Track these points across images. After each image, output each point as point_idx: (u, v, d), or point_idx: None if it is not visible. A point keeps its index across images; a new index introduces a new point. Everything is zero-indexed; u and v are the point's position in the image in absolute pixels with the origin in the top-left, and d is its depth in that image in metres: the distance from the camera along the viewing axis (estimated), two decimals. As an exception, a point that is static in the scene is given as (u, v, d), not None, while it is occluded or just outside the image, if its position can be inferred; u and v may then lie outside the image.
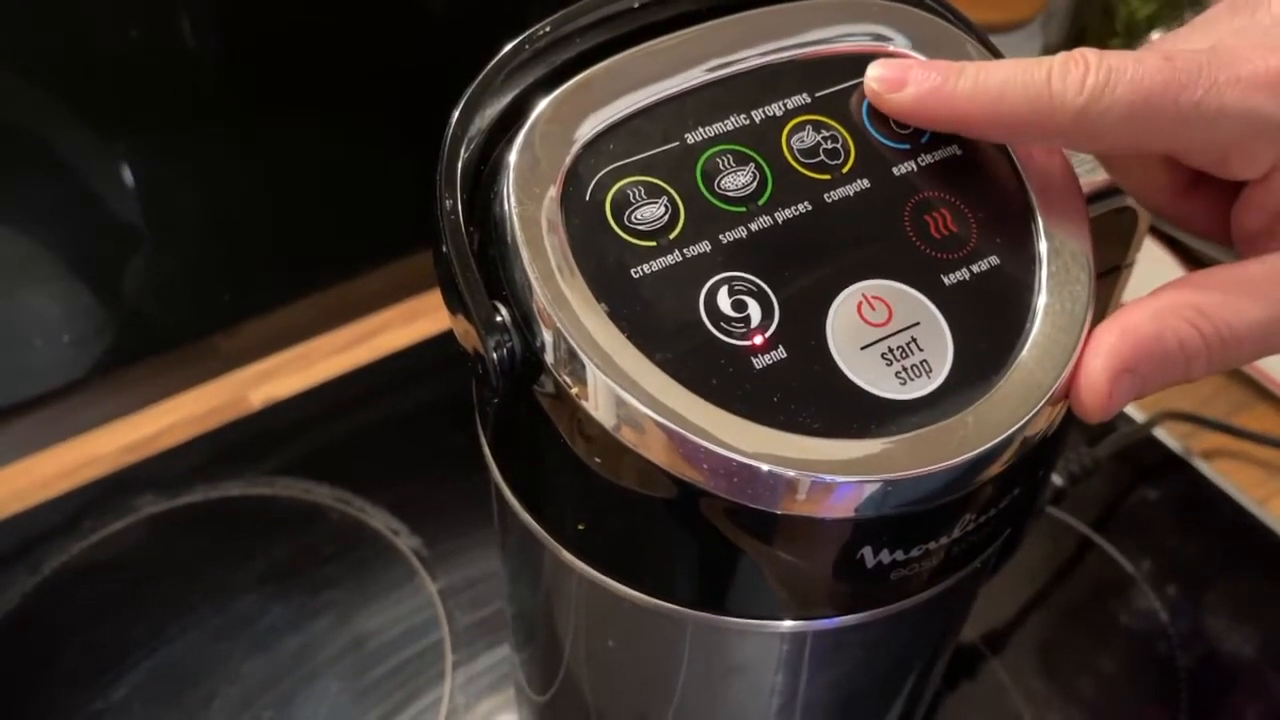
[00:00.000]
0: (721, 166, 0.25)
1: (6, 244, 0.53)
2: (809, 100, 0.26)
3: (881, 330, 0.24)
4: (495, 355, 0.24)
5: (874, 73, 0.26)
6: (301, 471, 0.56)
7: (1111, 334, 0.24)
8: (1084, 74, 0.24)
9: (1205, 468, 0.57)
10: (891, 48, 0.27)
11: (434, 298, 0.66)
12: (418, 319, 0.64)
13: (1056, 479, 0.51)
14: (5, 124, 0.50)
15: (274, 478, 0.56)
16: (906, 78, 0.25)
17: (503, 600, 0.47)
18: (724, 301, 0.24)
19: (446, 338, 0.63)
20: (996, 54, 0.28)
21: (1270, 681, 0.49)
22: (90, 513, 0.55)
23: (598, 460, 0.24)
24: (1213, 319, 0.24)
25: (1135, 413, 0.59)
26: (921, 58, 0.27)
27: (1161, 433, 0.58)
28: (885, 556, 0.24)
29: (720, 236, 0.25)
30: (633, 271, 0.24)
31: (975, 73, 0.24)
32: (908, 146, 0.26)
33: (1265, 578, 0.53)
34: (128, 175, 0.54)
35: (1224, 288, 0.24)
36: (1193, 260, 0.62)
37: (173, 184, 0.57)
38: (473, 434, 0.30)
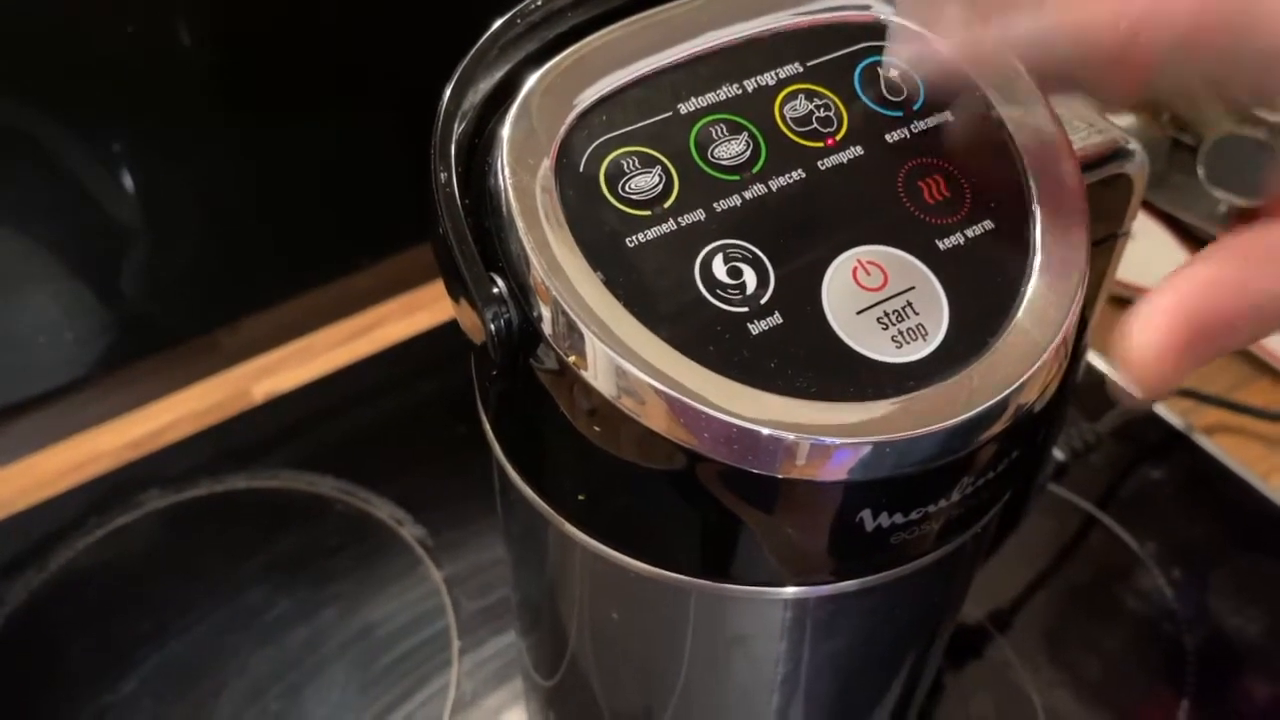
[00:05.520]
0: (714, 136, 0.25)
1: (7, 244, 0.54)
2: (801, 69, 0.26)
3: (877, 295, 0.24)
4: (493, 327, 0.24)
5: (894, 48, 0.26)
6: (305, 464, 0.56)
7: (1169, 301, 0.22)
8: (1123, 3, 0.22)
9: (1207, 443, 0.57)
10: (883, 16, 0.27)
11: (433, 290, 0.66)
12: (417, 311, 0.64)
13: (1058, 453, 0.51)
14: (4, 124, 0.51)
15: (278, 471, 0.56)
16: (928, 48, 0.25)
17: (508, 585, 0.47)
18: (719, 269, 0.24)
19: (446, 329, 0.63)
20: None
21: (1278, 657, 0.49)
22: (96, 509, 0.55)
23: (598, 430, 0.25)
24: (1252, 292, 0.23)
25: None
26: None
27: (1162, 408, 0.58)
28: (885, 520, 0.25)
29: (714, 205, 0.25)
30: (628, 241, 0.24)
31: (1000, 25, 0.24)
32: (900, 114, 0.26)
33: (1270, 553, 0.53)
34: (126, 173, 0.54)
35: (1262, 259, 0.23)
36: (1184, 232, 0.62)
37: (172, 181, 0.57)
38: (474, 423, 0.31)
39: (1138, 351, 0.22)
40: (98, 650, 0.50)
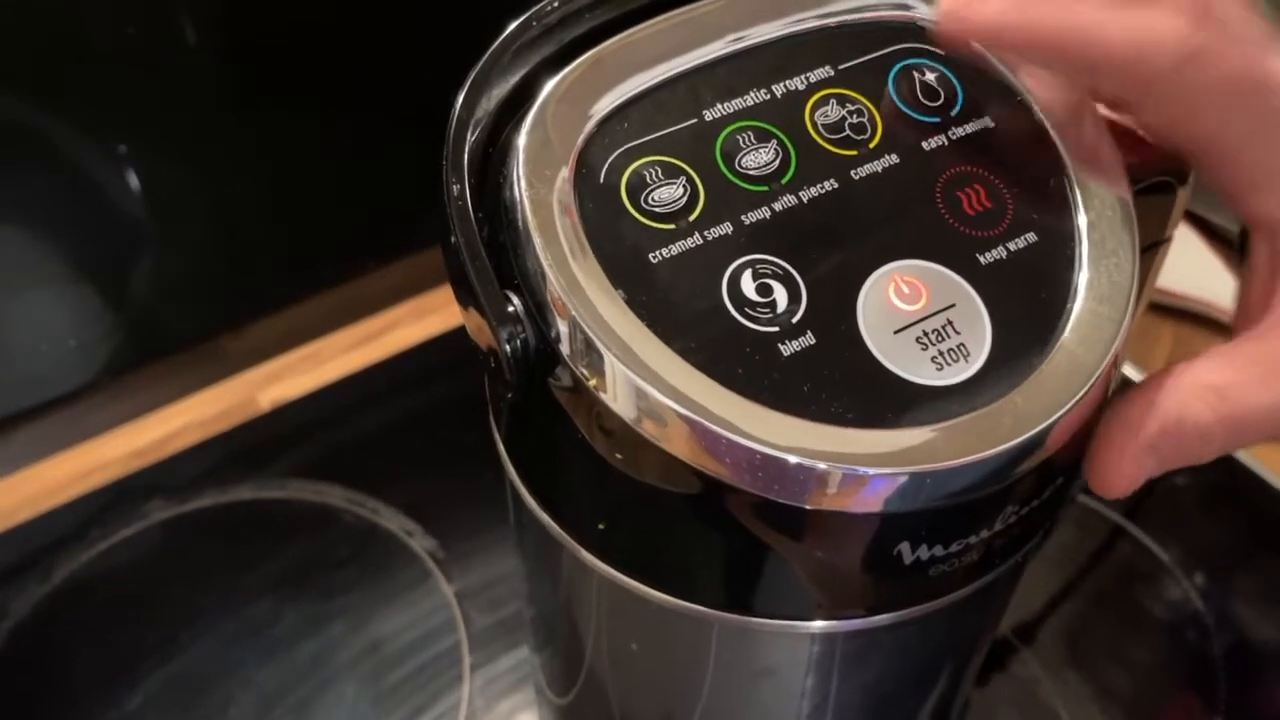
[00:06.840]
0: (742, 144, 0.24)
1: (11, 249, 0.53)
2: (832, 73, 0.25)
3: (915, 313, 0.23)
4: (508, 347, 0.22)
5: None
6: (313, 473, 0.55)
7: (1137, 410, 0.23)
8: (1192, 27, 0.22)
9: (1235, 450, 0.56)
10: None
11: (443, 294, 0.65)
12: (427, 315, 0.63)
13: (1087, 465, 0.50)
14: (8, 127, 0.50)
15: (285, 480, 0.55)
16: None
17: (521, 602, 0.46)
18: (748, 286, 0.23)
19: (457, 334, 0.62)
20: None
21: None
22: (100, 519, 0.54)
23: (618, 456, 0.23)
24: (1231, 403, 0.23)
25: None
26: None
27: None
28: (924, 552, 0.23)
29: (742, 218, 0.23)
30: (651, 256, 0.23)
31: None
32: (938, 120, 0.25)
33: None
34: (131, 178, 0.54)
35: (1244, 368, 0.24)
36: (1218, 238, 0.61)
37: (177, 185, 0.56)
38: (487, 432, 0.29)
39: (1108, 457, 0.24)
40: (102, 664, 0.49)
